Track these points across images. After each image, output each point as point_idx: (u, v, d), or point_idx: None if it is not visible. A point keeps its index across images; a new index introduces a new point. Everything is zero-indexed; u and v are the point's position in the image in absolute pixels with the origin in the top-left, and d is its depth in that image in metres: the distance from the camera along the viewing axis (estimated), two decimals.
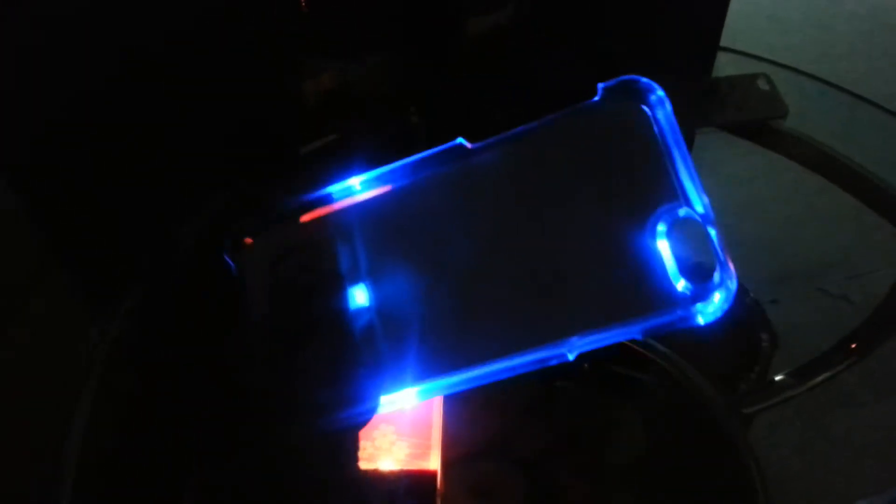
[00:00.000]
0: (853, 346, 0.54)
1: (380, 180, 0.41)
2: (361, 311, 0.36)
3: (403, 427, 0.50)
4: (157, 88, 0.58)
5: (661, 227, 0.33)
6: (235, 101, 0.61)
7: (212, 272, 0.60)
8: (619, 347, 0.56)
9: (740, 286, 0.71)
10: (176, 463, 0.52)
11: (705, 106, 0.58)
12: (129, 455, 0.51)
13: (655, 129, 0.35)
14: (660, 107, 0.33)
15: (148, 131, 0.59)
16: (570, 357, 0.34)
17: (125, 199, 0.59)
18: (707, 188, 0.81)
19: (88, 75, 0.55)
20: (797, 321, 0.74)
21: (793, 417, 0.67)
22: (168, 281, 0.59)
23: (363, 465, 0.48)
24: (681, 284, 0.33)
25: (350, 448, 0.48)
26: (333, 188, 0.42)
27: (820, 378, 0.51)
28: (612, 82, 0.35)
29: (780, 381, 0.49)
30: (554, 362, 0.35)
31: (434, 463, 0.48)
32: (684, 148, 0.34)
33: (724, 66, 0.66)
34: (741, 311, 0.67)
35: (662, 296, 0.32)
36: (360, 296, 0.37)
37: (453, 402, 0.50)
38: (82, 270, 0.59)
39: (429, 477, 0.47)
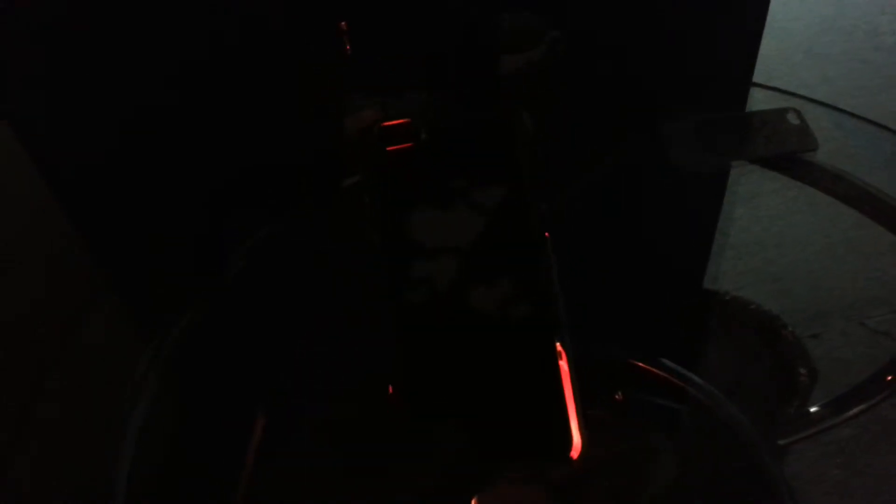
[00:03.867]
0: (890, 377, 0.53)
1: None
2: None
3: None
4: (213, 119, 0.61)
5: None
6: (284, 135, 0.64)
7: (259, 296, 0.63)
8: (656, 378, 0.57)
9: (779, 320, 0.71)
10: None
11: (737, 140, 0.59)
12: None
13: None
14: None
15: (202, 161, 0.62)
16: None
17: (178, 225, 0.62)
18: (746, 220, 0.82)
19: (143, 97, 0.59)
20: (837, 356, 0.73)
21: (834, 454, 0.66)
22: (219, 305, 0.62)
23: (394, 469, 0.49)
24: None
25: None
26: None
27: (856, 409, 0.51)
28: None
29: (816, 412, 0.49)
30: None
31: None
32: None
33: (758, 102, 0.67)
34: (780, 346, 0.67)
35: None
36: None
37: None
38: (135, 295, 0.62)
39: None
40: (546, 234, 0.32)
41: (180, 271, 0.61)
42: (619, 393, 0.51)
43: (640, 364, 0.57)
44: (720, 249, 0.73)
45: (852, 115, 0.62)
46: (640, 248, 0.67)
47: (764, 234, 0.85)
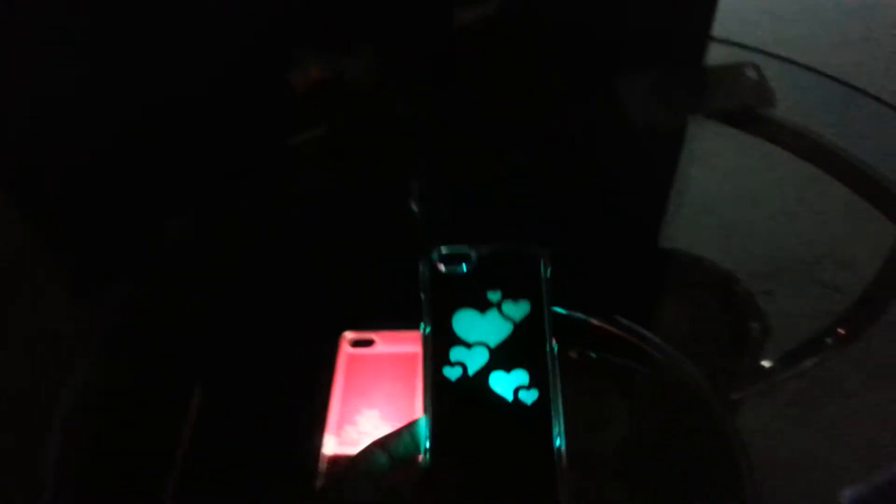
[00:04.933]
0: (840, 332, 0.54)
1: None
2: None
3: (388, 412, 0.51)
4: (146, 83, 0.58)
5: None
6: (224, 95, 0.61)
7: (198, 266, 0.61)
8: (610, 335, 0.57)
9: (733, 277, 0.72)
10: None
11: (695, 94, 0.58)
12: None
13: None
14: None
15: (135, 126, 0.59)
16: None
17: (112, 194, 0.59)
18: (701, 178, 0.81)
19: (76, 71, 0.55)
20: (790, 311, 0.74)
21: (783, 406, 0.67)
22: (155, 275, 0.59)
23: (346, 449, 0.49)
24: None
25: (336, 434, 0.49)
26: None
27: (808, 364, 0.51)
28: None
29: (769, 367, 0.49)
30: None
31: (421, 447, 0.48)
32: None
33: (716, 57, 0.66)
34: (734, 302, 0.67)
35: None
36: None
37: None
38: (69, 264, 0.60)
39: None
40: (553, 342, 0.40)
41: (112, 244, 0.59)
42: (574, 351, 0.51)
43: (595, 322, 0.57)
44: (675, 207, 0.73)
45: (810, 69, 0.61)
46: (596, 206, 0.67)
47: (718, 192, 0.85)
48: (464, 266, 0.42)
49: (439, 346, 0.41)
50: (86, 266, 0.60)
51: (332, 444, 0.50)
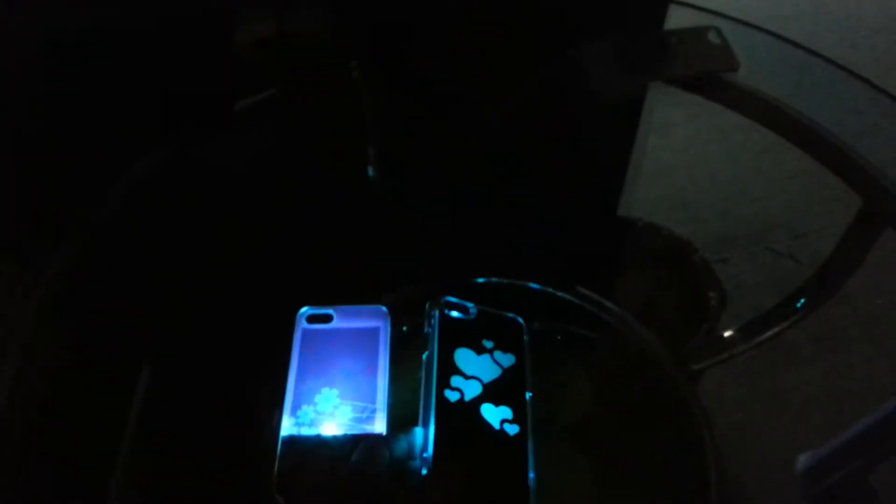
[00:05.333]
0: (798, 303, 0.54)
1: None
2: None
3: (347, 391, 0.49)
4: (87, 39, 0.54)
5: None
6: (168, 54, 0.57)
7: (140, 234, 0.57)
8: (571, 305, 0.56)
9: (688, 244, 0.71)
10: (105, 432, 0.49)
11: (656, 59, 0.57)
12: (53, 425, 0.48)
13: None
14: None
15: (76, 86, 0.55)
16: None
17: (51, 158, 0.55)
18: (658, 148, 0.81)
19: (18, 26, 0.51)
20: (745, 279, 0.75)
21: (739, 375, 0.68)
22: (96, 241, 0.56)
23: (305, 430, 0.46)
24: None
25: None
26: None
27: (767, 334, 0.51)
28: None
29: (728, 337, 0.49)
30: None
31: (380, 426, 0.47)
32: None
33: (677, 21, 0.65)
34: (691, 270, 0.67)
35: None
36: None
37: (398, 366, 0.49)
38: (8, 230, 0.55)
39: (376, 440, 0.46)
40: (531, 394, 0.47)
41: (53, 206, 0.55)
42: (535, 322, 0.50)
43: (555, 292, 0.55)
44: (632, 177, 0.72)
45: (773, 34, 0.60)
46: (554, 175, 0.65)
47: (675, 161, 0.85)
48: (463, 314, 0.50)
49: (443, 372, 0.48)
50: (19, 232, 0.55)
51: (290, 426, 0.47)
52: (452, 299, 0.50)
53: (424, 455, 0.44)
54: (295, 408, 0.48)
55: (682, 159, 0.84)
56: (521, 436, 0.45)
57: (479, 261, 0.60)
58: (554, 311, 0.55)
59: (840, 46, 0.90)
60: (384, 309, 0.51)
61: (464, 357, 0.49)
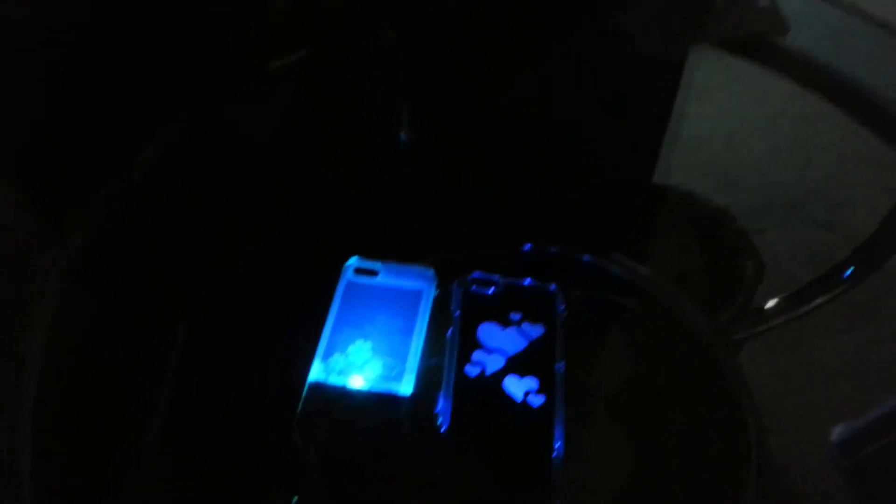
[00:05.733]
0: (846, 273, 0.53)
1: None
2: None
3: (380, 347, 0.49)
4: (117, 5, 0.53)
5: None
6: (200, 14, 0.56)
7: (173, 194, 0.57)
8: (610, 273, 0.55)
9: (726, 213, 0.70)
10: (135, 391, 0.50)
11: (704, 22, 0.55)
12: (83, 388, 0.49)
13: None
14: None
15: (105, 50, 0.54)
16: None
17: (79, 122, 0.55)
18: (694, 114, 0.79)
19: None
20: (780, 250, 0.73)
21: (772, 345, 0.67)
22: (124, 208, 0.56)
23: (333, 378, 0.47)
24: None
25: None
26: None
27: (811, 305, 0.50)
28: None
29: (770, 308, 0.48)
30: None
31: (406, 387, 0.47)
32: None
33: None
34: (729, 240, 0.66)
35: None
36: None
37: (433, 330, 0.49)
38: (35, 197, 0.55)
39: (400, 400, 0.47)
40: (563, 364, 0.47)
41: (85, 164, 0.55)
42: (571, 290, 0.49)
43: (593, 259, 0.55)
44: (669, 144, 0.70)
45: None
46: (591, 141, 0.64)
47: (713, 129, 0.83)
48: (491, 289, 0.50)
49: (464, 349, 0.48)
50: (51, 187, 0.56)
51: (319, 371, 0.48)
52: (478, 275, 0.50)
53: (442, 431, 0.45)
54: (327, 355, 0.49)
55: (718, 126, 0.82)
56: (547, 407, 0.45)
57: (512, 228, 0.59)
58: (590, 279, 0.54)
59: (885, 6, 0.87)
60: (431, 272, 0.52)
61: (488, 331, 0.49)
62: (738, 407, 0.45)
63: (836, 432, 0.60)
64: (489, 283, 0.51)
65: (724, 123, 0.81)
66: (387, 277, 0.52)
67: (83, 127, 0.54)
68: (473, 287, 0.51)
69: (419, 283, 0.51)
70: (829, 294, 0.50)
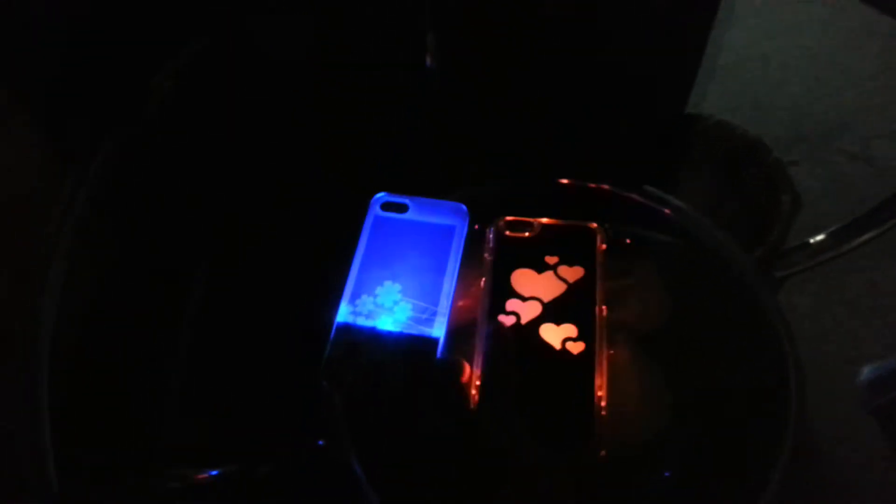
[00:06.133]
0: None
1: None
2: None
3: (410, 288, 0.47)
4: None
5: None
6: None
7: (191, 126, 0.54)
8: (641, 208, 0.53)
9: (763, 144, 0.68)
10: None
11: None
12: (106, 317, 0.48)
13: None
14: None
15: None
16: None
17: (94, 41, 0.52)
18: (727, 41, 0.75)
19: None
20: (814, 182, 0.71)
21: (801, 282, 0.65)
22: (143, 132, 0.53)
23: (361, 321, 0.45)
24: None
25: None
26: None
27: (858, 241, 0.48)
28: None
29: (815, 244, 0.46)
30: None
31: (438, 330, 0.45)
32: None
33: None
34: (765, 172, 0.64)
35: None
36: None
37: (466, 270, 0.47)
38: (50, 119, 0.53)
39: (431, 344, 0.45)
40: (604, 307, 0.45)
41: (96, 95, 0.52)
42: (606, 225, 0.47)
43: (629, 194, 0.52)
44: (703, 72, 0.67)
45: None
46: (624, 69, 0.61)
47: (747, 54, 0.79)
48: (526, 232, 0.47)
49: (497, 297, 0.45)
50: (63, 118, 0.53)
51: (346, 313, 0.46)
52: (511, 218, 0.47)
53: (476, 384, 0.42)
54: (354, 296, 0.47)
55: (754, 52, 0.78)
56: (587, 354, 0.43)
57: (541, 161, 0.57)
58: (626, 214, 0.52)
59: None
60: (464, 208, 0.49)
61: (522, 278, 0.46)
62: (779, 349, 0.44)
63: (865, 372, 0.59)
64: (524, 226, 0.48)
65: (760, 50, 0.77)
66: (416, 213, 0.49)
67: (98, 53, 0.51)
68: (507, 230, 0.48)
69: (451, 220, 0.49)
70: (878, 230, 0.48)
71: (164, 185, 0.52)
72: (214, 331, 0.49)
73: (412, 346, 0.44)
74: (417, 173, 0.53)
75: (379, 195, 0.50)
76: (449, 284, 0.47)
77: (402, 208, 0.49)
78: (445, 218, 0.49)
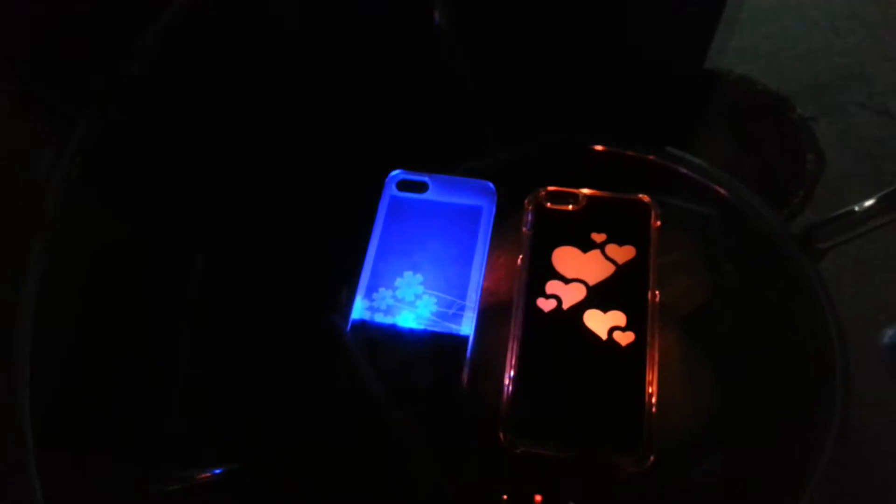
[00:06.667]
0: None
1: None
2: None
3: (434, 280, 0.42)
4: None
5: None
6: None
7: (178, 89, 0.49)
8: (679, 176, 0.49)
9: (786, 100, 0.64)
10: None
11: None
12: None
13: None
14: None
15: None
16: None
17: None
18: None
19: None
20: (835, 138, 0.68)
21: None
22: (128, 100, 0.48)
23: (379, 318, 0.41)
24: None
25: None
26: None
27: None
28: None
29: (860, 211, 0.44)
30: None
31: (467, 327, 0.40)
32: None
33: None
34: (787, 129, 0.61)
35: None
36: None
37: (496, 255, 0.43)
38: (28, 87, 0.47)
39: (459, 343, 0.40)
40: (657, 292, 0.40)
41: (77, 62, 0.47)
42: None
43: (676, 166, 0.48)
44: (723, 24, 0.63)
45: None
46: (640, 23, 0.57)
47: (761, 4, 0.75)
48: (570, 205, 0.43)
49: (536, 278, 0.41)
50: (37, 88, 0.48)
51: (363, 308, 0.42)
52: (553, 188, 0.43)
53: (509, 376, 0.38)
54: (371, 289, 0.42)
55: (768, 3, 0.74)
56: (637, 346, 0.38)
57: (558, 122, 0.53)
58: (654, 180, 0.49)
59: None
60: (491, 186, 0.44)
61: (565, 257, 0.41)
62: (822, 323, 0.41)
63: (888, 334, 0.58)
64: (567, 197, 0.43)
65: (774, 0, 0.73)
66: (438, 193, 0.44)
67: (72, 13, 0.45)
68: (548, 201, 0.43)
69: (477, 200, 0.43)
70: None
71: (150, 165, 0.47)
72: (215, 326, 0.45)
73: (439, 346, 0.40)
74: (435, 144, 0.48)
75: (394, 173, 0.45)
76: (477, 274, 0.42)
77: (421, 187, 0.44)
78: (470, 198, 0.44)
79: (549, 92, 0.54)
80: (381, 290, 0.42)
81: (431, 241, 0.43)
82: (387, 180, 0.45)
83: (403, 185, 0.45)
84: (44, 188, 0.44)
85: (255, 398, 0.43)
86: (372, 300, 0.42)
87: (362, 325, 0.41)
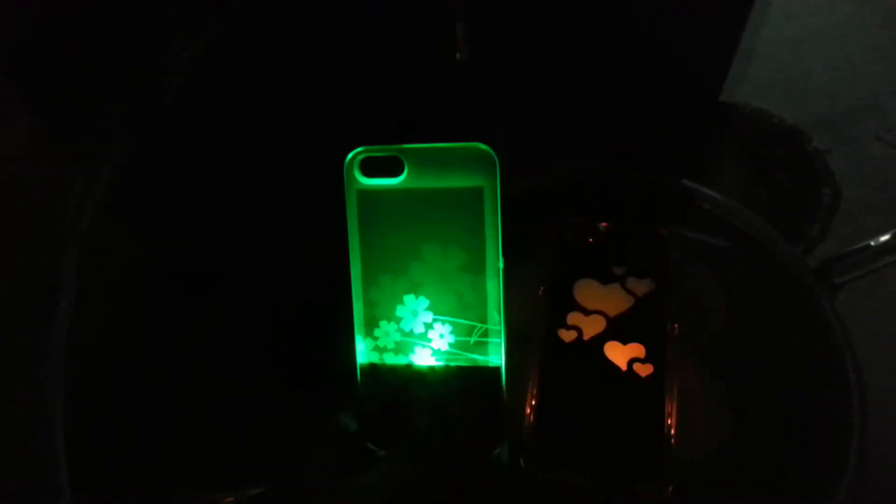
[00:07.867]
0: None
1: None
2: None
3: (440, 299, 0.33)
4: None
5: None
6: None
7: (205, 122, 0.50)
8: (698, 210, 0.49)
9: (801, 133, 0.65)
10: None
11: None
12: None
13: None
14: None
15: None
16: None
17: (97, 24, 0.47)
18: (755, 23, 0.72)
19: None
20: (851, 172, 0.68)
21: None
22: (154, 128, 0.49)
23: (389, 358, 0.36)
24: None
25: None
26: None
27: None
28: None
29: (877, 246, 0.44)
30: None
31: (495, 356, 0.35)
32: None
33: None
34: (803, 163, 0.61)
35: None
36: None
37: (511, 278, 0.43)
38: (53, 114, 0.49)
39: (492, 376, 0.36)
40: (675, 325, 0.41)
41: (103, 87, 0.47)
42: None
43: (698, 200, 0.48)
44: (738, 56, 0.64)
45: None
46: (657, 60, 0.58)
47: (777, 36, 0.76)
48: (590, 237, 0.43)
49: (557, 309, 0.41)
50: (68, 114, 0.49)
51: (366, 350, 0.35)
52: (577, 219, 0.43)
53: (531, 405, 0.38)
54: (370, 324, 0.34)
55: (784, 34, 0.75)
56: (656, 377, 0.39)
57: (570, 151, 0.54)
58: (670, 212, 0.49)
59: None
60: (489, 151, 0.32)
61: (586, 288, 0.42)
62: (841, 367, 0.41)
63: None
64: (587, 229, 0.43)
65: (791, 30, 0.74)
66: (419, 174, 0.31)
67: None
68: (568, 232, 0.43)
69: (474, 176, 0.31)
70: None
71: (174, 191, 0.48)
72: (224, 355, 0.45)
73: (469, 382, 0.36)
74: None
75: (354, 151, 0.32)
76: (495, 283, 0.34)
77: (394, 168, 0.31)
78: (464, 175, 0.32)
79: (565, 121, 0.55)
80: (382, 323, 0.34)
81: (425, 245, 0.33)
82: (346, 164, 0.32)
83: (369, 168, 0.32)
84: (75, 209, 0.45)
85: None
86: (375, 338, 0.35)
87: (372, 370, 0.35)
